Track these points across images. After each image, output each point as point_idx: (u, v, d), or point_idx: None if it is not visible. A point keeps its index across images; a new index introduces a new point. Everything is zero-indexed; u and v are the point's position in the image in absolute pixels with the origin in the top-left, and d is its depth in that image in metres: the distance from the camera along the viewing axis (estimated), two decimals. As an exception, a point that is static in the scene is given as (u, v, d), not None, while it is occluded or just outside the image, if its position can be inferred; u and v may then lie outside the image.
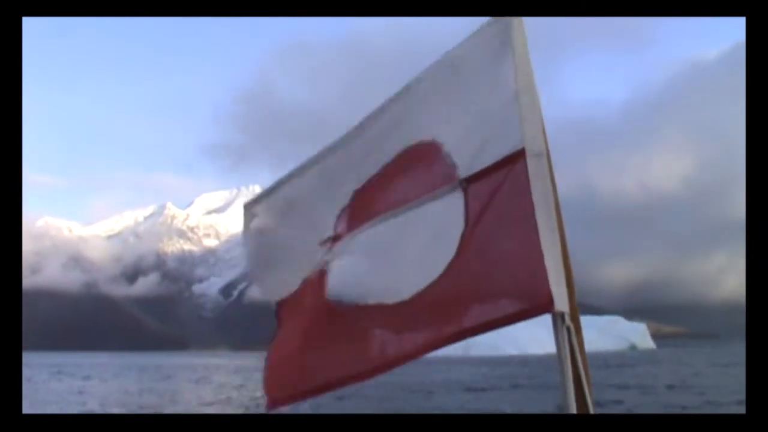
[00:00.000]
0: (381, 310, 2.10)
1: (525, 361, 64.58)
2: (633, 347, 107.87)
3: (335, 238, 2.23)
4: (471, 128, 2.05)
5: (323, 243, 2.26)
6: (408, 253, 2.10)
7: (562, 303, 1.84)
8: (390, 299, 2.08)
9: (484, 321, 1.97)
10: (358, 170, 2.27)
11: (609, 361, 54.59)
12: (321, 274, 2.24)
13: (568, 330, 1.88)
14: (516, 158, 1.93)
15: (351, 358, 2.17)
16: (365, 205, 2.23)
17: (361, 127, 2.29)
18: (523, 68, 1.97)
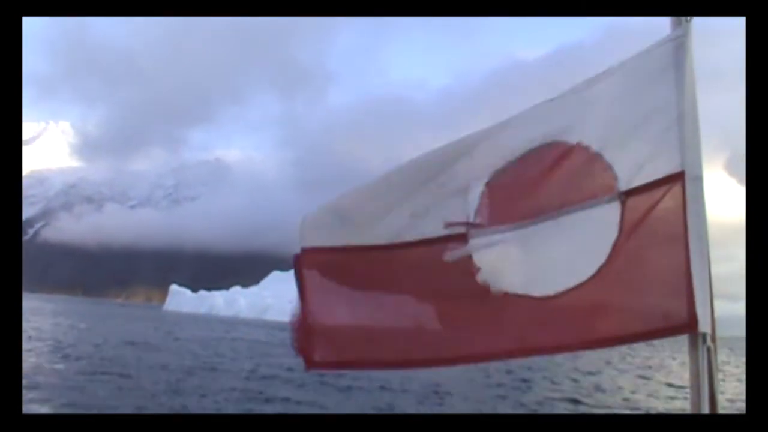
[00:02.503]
0: (527, 301, 2.20)
1: None
2: None
3: (474, 226, 2.29)
4: (633, 144, 2.16)
5: (449, 225, 2.31)
6: (559, 252, 2.20)
7: (705, 324, 1.98)
8: (537, 292, 2.18)
9: (628, 333, 2.09)
10: (488, 158, 2.32)
11: None
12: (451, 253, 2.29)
13: (708, 350, 2.01)
14: (675, 179, 2.07)
15: (482, 339, 2.26)
16: (506, 200, 2.30)
17: (494, 127, 2.36)
18: (689, 93, 2.09)
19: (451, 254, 2.28)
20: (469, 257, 2.27)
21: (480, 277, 2.26)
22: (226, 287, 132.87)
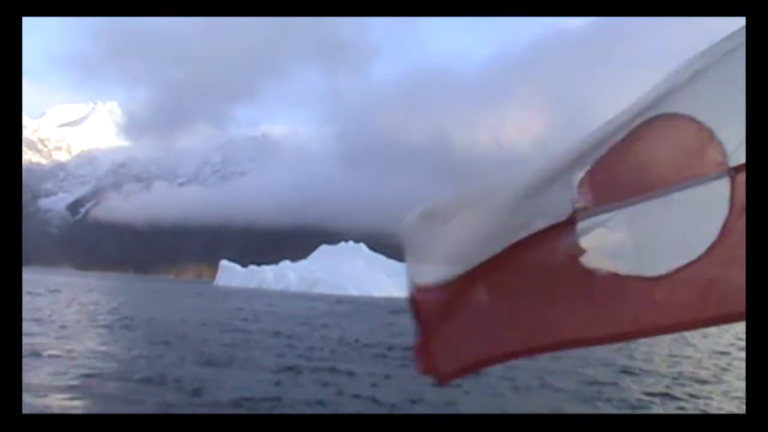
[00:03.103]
0: (639, 281, 2.21)
1: (364, 301, 65.86)
2: None
3: (581, 210, 2.30)
4: (735, 122, 2.15)
5: (556, 214, 2.31)
6: (670, 230, 2.20)
7: None
8: (649, 272, 2.18)
9: (733, 312, 2.10)
10: (590, 146, 2.33)
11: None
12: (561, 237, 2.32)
13: None
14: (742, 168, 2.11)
15: (599, 323, 2.29)
16: (612, 179, 2.30)
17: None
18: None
19: (561, 241, 2.31)
20: (576, 241, 2.28)
21: (586, 260, 2.28)
22: (275, 261, 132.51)
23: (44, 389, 10.70)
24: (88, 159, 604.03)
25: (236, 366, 15.54)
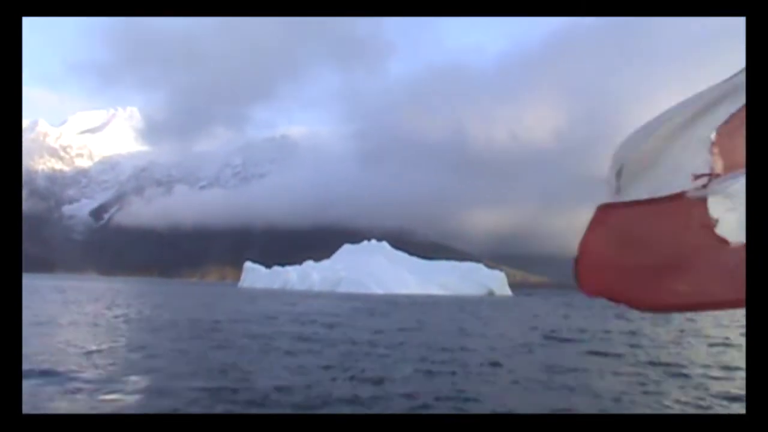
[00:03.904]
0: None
1: (390, 300, 66.12)
2: (491, 293, 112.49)
3: (712, 176, 2.35)
4: None
5: (697, 177, 2.39)
6: None
7: None
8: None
9: None
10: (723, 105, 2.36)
11: (465, 305, 59.00)
12: (695, 205, 2.41)
13: None
14: None
15: (722, 289, 2.37)
16: (732, 148, 2.34)
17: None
18: None
19: (695, 206, 2.38)
20: (706, 210, 2.35)
21: (719, 230, 2.34)
22: (299, 262, 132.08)
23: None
24: (110, 165, 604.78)
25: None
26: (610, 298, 2.74)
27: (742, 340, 24.36)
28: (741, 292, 2.31)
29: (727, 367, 15.90)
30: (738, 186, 2.32)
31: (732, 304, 2.41)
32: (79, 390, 10.81)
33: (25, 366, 11.75)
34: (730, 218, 2.34)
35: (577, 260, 2.72)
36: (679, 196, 2.43)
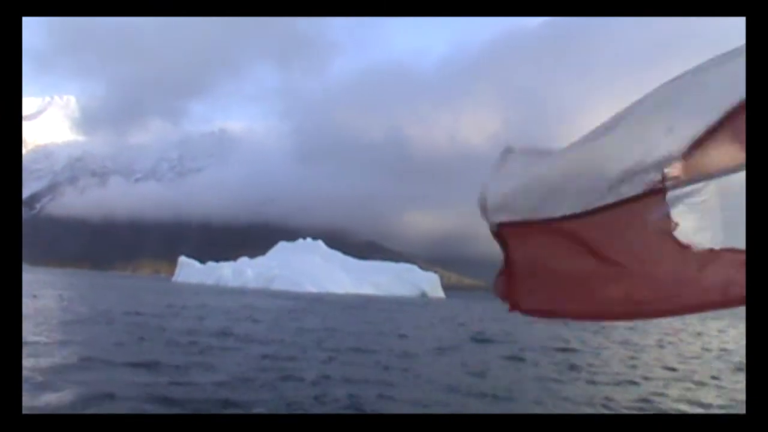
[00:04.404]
0: (731, 254, 2.25)
1: (320, 299, 65.91)
2: (424, 295, 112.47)
3: (671, 180, 2.29)
4: None
5: (647, 184, 2.32)
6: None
7: None
8: (740, 245, 2.22)
9: None
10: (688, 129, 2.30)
11: (401, 306, 59.57)
12: (648, 211, 2.34)
13: None
14: None
15: (685, 294, 2.36)
16: (703, 151, 2.28)
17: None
18: None
19: (651, 211, 2.32)
20: (667, 215, 2.30)
21: (680, 234, 2.30)
22: (234, 258, 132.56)
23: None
24: (43, 153, 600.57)
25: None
26: (545, 316, 2.72)
27: (657, 349, 24.36)
28: (707, 296, 2.28)
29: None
30: (709, 189, 2.27)
31: (698, 308, 2.36)
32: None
33: None
34: (691, 223, 2.29)
35: (505, 280, 2.68)
36: (631, 202, 2.34)
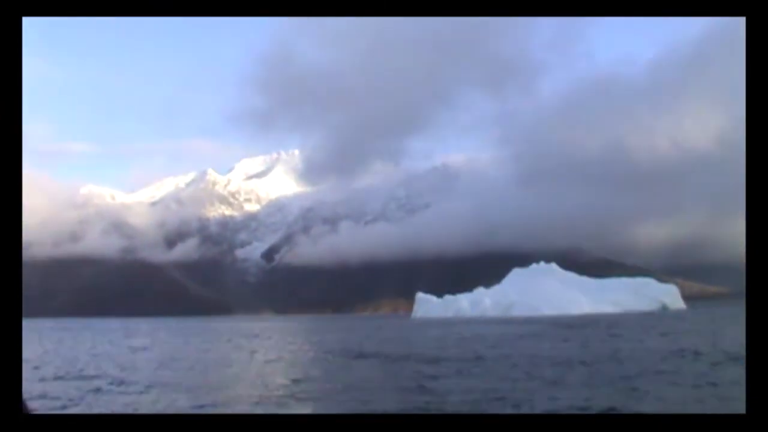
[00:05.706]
0: None
1: (560, 321, 64.13)
2: (665, 307, 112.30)
3: None
4: None
5: None
6: None
7: None
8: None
9: None
10: None
11: (642, 321, 58.63)
12: None
13: None
14: None
15: None
16: None
17: None
18: None
19: None
20: None
21: None
22: (470, 289, 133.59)
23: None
24: (276, 207, 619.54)
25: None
26: None
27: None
28: None
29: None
30: None
31: None
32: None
33: None
34: None
35: None
36: None
